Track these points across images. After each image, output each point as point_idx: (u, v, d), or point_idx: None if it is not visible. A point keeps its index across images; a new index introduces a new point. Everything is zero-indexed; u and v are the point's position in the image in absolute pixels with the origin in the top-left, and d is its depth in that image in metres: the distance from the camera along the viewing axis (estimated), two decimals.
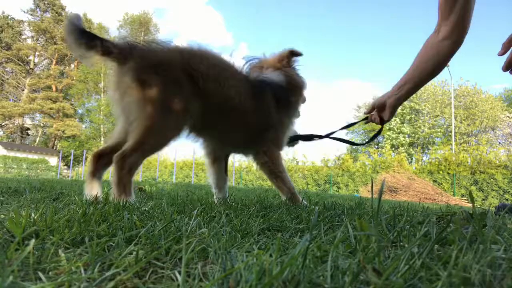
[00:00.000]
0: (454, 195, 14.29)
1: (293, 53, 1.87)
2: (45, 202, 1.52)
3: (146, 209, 1.24)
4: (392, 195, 12.24)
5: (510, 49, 1.39)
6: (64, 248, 0.70)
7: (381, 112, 1.87)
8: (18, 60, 40.53)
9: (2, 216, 1.00)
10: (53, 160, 32.73)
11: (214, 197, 1.90)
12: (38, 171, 28.14)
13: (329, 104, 62.43)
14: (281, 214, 1.24)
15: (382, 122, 1.91)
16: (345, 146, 37.76)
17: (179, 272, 0.55)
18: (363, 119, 2.06)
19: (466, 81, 32.01)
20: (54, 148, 40.07)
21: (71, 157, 26.53)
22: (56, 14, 41.84)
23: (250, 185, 18.55)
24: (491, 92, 34.32)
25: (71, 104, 40.27)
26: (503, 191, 13.79)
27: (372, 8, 55.76)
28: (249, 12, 69.13)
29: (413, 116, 33.70)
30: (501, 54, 1.54)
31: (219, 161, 1.88)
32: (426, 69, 1.64)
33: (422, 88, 33.75)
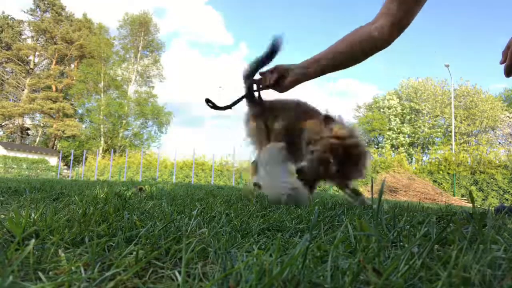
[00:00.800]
0: (454, 195, 14.29)
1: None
2: (45, 202, 1.52)
3: (146, 209, 1.24)
4: (392, 195, 12.23)
5: (509, 55, 1.39)
6: (64, 248, 0.70)
7: (280, 78, 1.68)
8: (18, 60, 40.53)
9: (2, 216, 1.00)
10: (53, 160, 32.73)
11: None
12: (38, 171, 28.15)
13: (330, 103, 62.25)
14: (281, 214, 1.24)
15: (275, 87, 1.72)
16: None
17: (179, 272, 0.55)
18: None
19: (466, 81, 32.04)
20: (54, 148, 40.07)
21: (71, 157, 26.55)
22: (56, 14, 41.83)
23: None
24: (491, 92, 34.27)
25: (71, 104, 40.27)
26: (503, 191, 13.79)
27: (373, 9, 55.66)
28: (249, 12, 69.16)
29: (413, 116, 33.71)
30: (503, 62, 1.54)
31: None
32: (351, 54, 1.55)
33: (422, 88, 33.78)
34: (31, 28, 41.23)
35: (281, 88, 1.70)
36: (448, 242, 0.75)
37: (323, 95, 62.95)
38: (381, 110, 34.29)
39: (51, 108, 38.27)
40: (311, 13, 61.80)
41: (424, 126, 32.45)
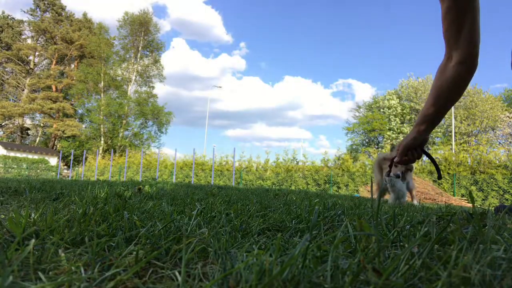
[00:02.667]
0: (454, 195, 14.29)
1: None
2: (45, 202, 1.52)
3: (146, 209, 1.24)
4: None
5: None
6: (64, 248, 0.70)
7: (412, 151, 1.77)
8: (18, 60, 40.53)
9: (2, 216, 1.00)
10: (53, 160, 32.75)
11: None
12: (38, 171, 28.15)
13: (331, 104, 62.49)
14: (281, 214, 1.24)
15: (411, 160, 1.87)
16: (345, 145, 37.81)
17: (179, 272, 0.55)
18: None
19: None
20: (54, 148, 40.08)
21: (71, 157, 26.53)
22: (56, 14, 41.83)
23: (250, 185, 18.55)
24: (491, 92, 34.33)
25: (71, 104, 40.27)
26: (503, 191, 13.79)
27: (372, 11, 55.77)
28: (248, 11, 69.17)
29: (413, 116, 33.71)
30: None
31: None
32: (446, 97, 1.57)
33: (423, 88, 33.79)
34: (31, 28, 41.22)
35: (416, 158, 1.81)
36: (448, 242, 0.75)
37: (324, 95, 62.97)
38: (381, 110, 34.29)
39: (51, 108, 38.27)
40: (310, 12, 61.82)
41: None
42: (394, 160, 1.84)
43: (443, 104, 1.60)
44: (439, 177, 1.84)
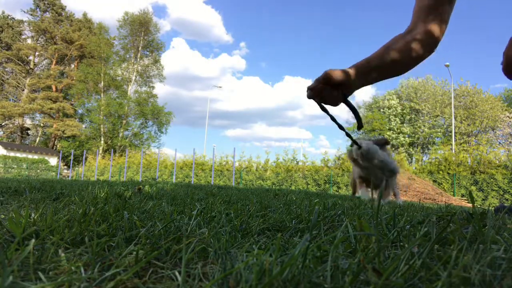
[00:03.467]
0: (454, 195, 14.29)
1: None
2: (45, 202, 1.52)
3: (146, 209, 1.24)
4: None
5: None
6: (64, 248, 0.70)
7: (336, 89, 1.42)
8: (18, 60, 40.54)
9: (2, 216, 1.00)
10: (53, 160, 32.77)
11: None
12: (38, 171, 28.18)
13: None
14: (281, 214, 1.24)
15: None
16: (345, 145, 37.84)
17: (179, 272, 0.55)
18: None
19: (466, 81, 32.07)
20: (54, 148, 40.08)
21: (71, 157, 26.53)
22: (56, 14, 41.83)
23: (250, 185, 18.55)
24: (491, 92, 34.37)
25: (71, 104, 40.27)
26: (503, 191, 13.79)
27: (373, 11, 55.82)
28: (248, 11, 69.22)
29: (413, 116, 33.73)
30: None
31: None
32: (394, 66, 1.40)
33: (422, 88, 33.76)
34: (31, 28, 41.22)
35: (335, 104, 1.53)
36: (448, 242, 0.75)
37: None
38: (381, 110, 34.30)
39: (51, 108, 38.27)
40: (311, 12, 61.83)
41: (424, 126, 32.47)
42: (309, 86, 1.43)
43: (387, 66, 1.39)
44: (359, 127, 1.55)
